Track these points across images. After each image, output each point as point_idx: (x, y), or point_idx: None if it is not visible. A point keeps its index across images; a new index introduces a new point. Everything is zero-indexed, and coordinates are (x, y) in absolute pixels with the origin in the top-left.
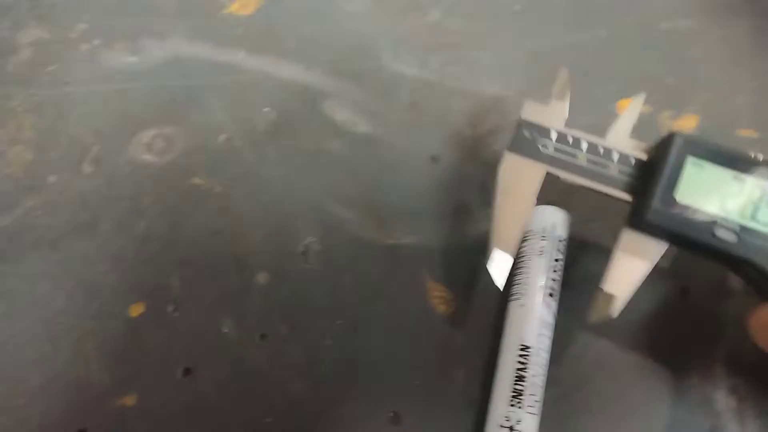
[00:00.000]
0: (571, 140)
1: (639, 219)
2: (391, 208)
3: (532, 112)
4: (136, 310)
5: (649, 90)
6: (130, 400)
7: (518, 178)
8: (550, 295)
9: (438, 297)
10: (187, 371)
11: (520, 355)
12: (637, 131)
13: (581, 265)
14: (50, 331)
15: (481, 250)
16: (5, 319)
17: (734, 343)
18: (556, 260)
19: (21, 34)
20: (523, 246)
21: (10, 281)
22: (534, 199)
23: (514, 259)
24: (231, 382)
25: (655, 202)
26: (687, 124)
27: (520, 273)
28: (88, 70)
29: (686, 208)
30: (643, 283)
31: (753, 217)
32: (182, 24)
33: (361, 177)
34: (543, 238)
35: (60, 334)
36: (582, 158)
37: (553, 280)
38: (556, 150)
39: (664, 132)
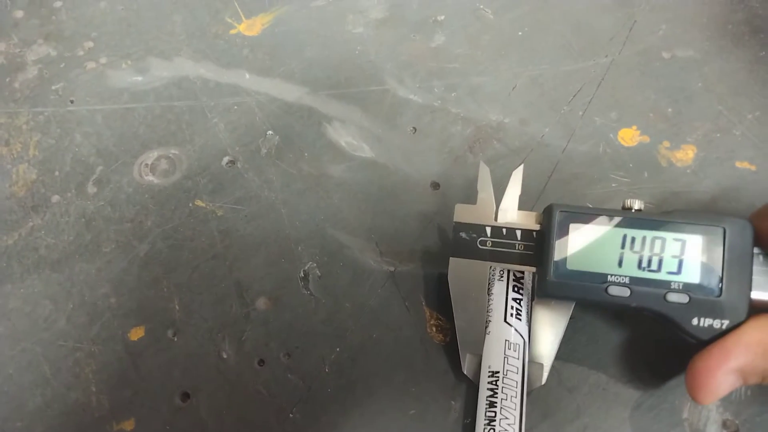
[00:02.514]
0: (505, 232)
1: (540, 290)
2: (391, 235)
3: (463, 214)
4: (136, 333)
5: (648, 120)
6: (128, 425)
7: (467, 280)
8: (515, 316)
9: (436, 325)
10: (185, 396)
11: (489, 382)
12: (636, 163)
13: None
14: (50, 353)
15: None
16: (6, 339)
17: None
18: (518, 279)
19: (28, 52)
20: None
21: (11, 302)
22: (486, 294)
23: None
24: (229, 408)
25: (550, 274)
26: (684, 155)
27: (489, 301)
28: (93, 88)
29: (578, 272)
30: (634, 320)
31: (639, 266)
32: (188, 44)
33: (363, 202)
34: None
35: (60, 357)
36: (519, 246)
37: (515, 300)
38: (495, 244)
39: (664, 164)
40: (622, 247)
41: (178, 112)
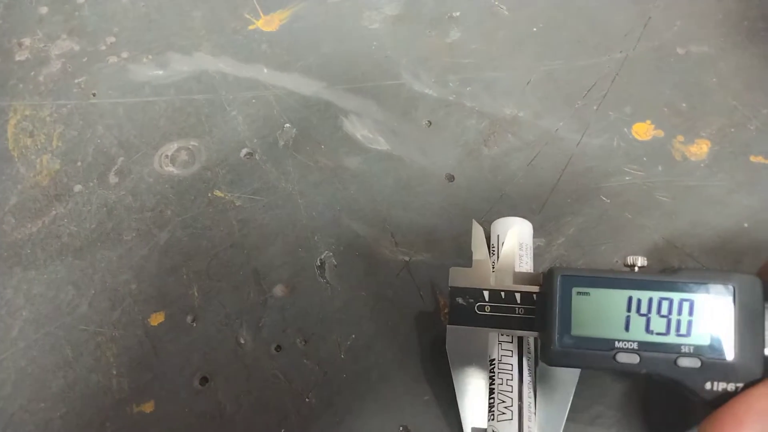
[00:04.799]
0: (503, 296)
1: (545, 358)
2: (406, 226)
3: (459, 278)
4: (156, 319)
5: (662, 114)
6: (147, 407)
7: (467, 349)
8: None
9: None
10: (204, 380)
11: (490, 369)
12: (651, 157)
13: None
14: (73, 337)
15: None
16: (30, 323)
17: None
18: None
19: (52, 46)
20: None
21: (35, 287)
22: (487, 361)
23: None
24: (246, 392)
25: (555, 343)
26: (699, 150)
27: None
28: (115, 82)
29: (584, 339)
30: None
31: (647, 329)
32: (208, 39)
33: (378, 194)
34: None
35: (82, 341)
36: (519, 310)
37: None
38: (493, 309)
39: (678, 158)
40: (629, 310)
41: (197, 105)
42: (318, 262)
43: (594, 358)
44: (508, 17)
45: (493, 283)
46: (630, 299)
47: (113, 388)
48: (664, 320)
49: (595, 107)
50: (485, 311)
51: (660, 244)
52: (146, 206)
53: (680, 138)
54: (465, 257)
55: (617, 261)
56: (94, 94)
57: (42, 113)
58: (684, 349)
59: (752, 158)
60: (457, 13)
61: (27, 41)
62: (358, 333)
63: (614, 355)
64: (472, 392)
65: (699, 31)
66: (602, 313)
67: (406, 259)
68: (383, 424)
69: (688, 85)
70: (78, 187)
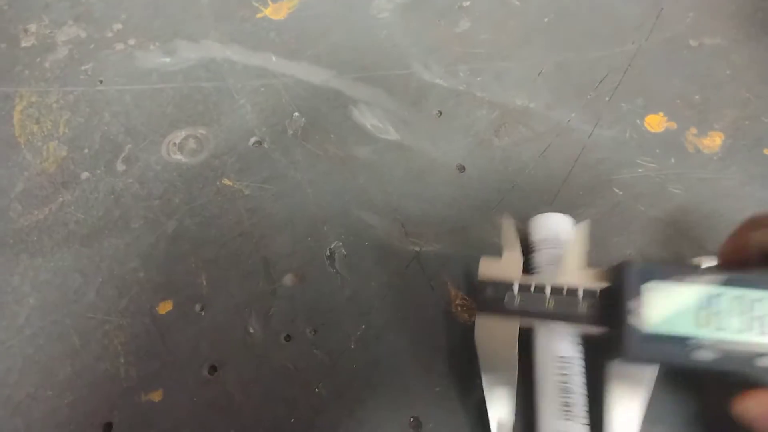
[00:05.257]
0: (533, 288)
1: (617, 354)
2: (416, 216)
3: (489, 269)
4: (164, 307)
5: (675, 106)
6: (156, 396)
7: (495, 338)
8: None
9: (461, 305)
10: (213, 369)
11: (560, 367)
12: (663, 149)
13: None
14: (80, 325)
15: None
16: (37, 311)
17: None
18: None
19: (59, 33)
20: (535, 257)
21: (42, 274)
22: (516, 354)
23: (530, 271)
24: (255, 381)
25: (628, 338)
26: (712, 142)
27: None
28: (122, 69)
29: (658, 336)
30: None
31: (721, 327)
32: (216, 27)
33: (388, 184)
34: (554, 246)
35: (89, 329)
36: (550, 303)
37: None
38: (522, 300)
39: (691, 151)
40: (705, 306)
41: (205, 93)
42: (328, 251)
43: (668, 353)
44: (519, 7)
45: (521, 276)
46: (706, 296)
47: (121, 376)
48: (742, 318)
49: (607, 98)
50: (514, 302)
51: (673, 236)
52: (154, 194)
53: (693, 130)
54: (475, 248)
55: (630, 253)
56: (101, 81)
57: (48, 100)
58: (762, 349)
59: (766, 151)
60: (468, 3)
61: (33, 27)
62: (368, 323)
63: (690, 352)
64: (500, 383)
65: (712, 22)
66: (676, 309)
67: (417, 249)
68: (393, 415)
69: (701, 77)
70: (85, 175)
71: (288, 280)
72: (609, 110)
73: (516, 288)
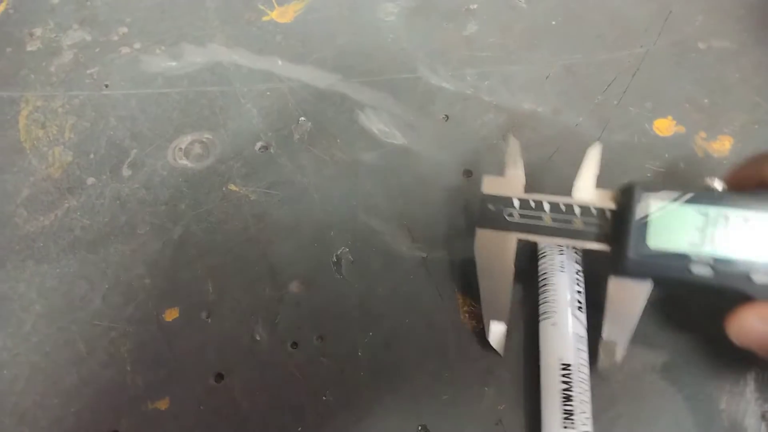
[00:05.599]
0: (533, 204)
1: (619, 268)
2: (423, 222)
3: (492, 185)
4: (171, 314)
5: (684, 110)
6: (162, 404)
7: (494, 251)
8: (579, 308)
9: (468, 312)
10: (219, 377)
11: (563, 374)
12: (672, 153)
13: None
14: (86, 332)
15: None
16: (43, 318)
17: (765, 371)
18: (577, 272)
19: (64, 37)
20: (542, 263)
21: (48, 281)
22: (512, 265)
23: (538, 277)
24: (262, 389)
25: (630, 252)
26: (721, 146)
27: (546, 291)
28: (128, 73)
29: (659, 251)
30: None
31: (723, 246)
32: (222, 31)
33: (395, 189)
34: (561, 252)
35: (95, 336)
36: (547, 219)
37: (578, 292)
38: (522, 216)
39: (700, 155)
40: (705, 226)
41: (211, 97)
42: (334, 258)
43: (668, 269)
44: (526, 10)
45: (522, 194)
46: (707, 215)
47: (127, 384)
48: (741, 237)
49: (615, 102)
50: (514, 217)
51: None
52: (160, 200)
53: (702, 134)
54: None
55: None
56: (106, 85)
57: (54, 104)
58: (760, 267)
59: None
60: (475, 6)
61: (38, 31)
62: (376, 330)
63: (689, 268)
64: (496, 292)
65: (720, 26)
66: (679, 227)
67: (424, 255)
68: (401, 424)
69: (709, 80)
70: (91, 180)
71: (294, 286)
72: (617, 114)
73: (516, 203)
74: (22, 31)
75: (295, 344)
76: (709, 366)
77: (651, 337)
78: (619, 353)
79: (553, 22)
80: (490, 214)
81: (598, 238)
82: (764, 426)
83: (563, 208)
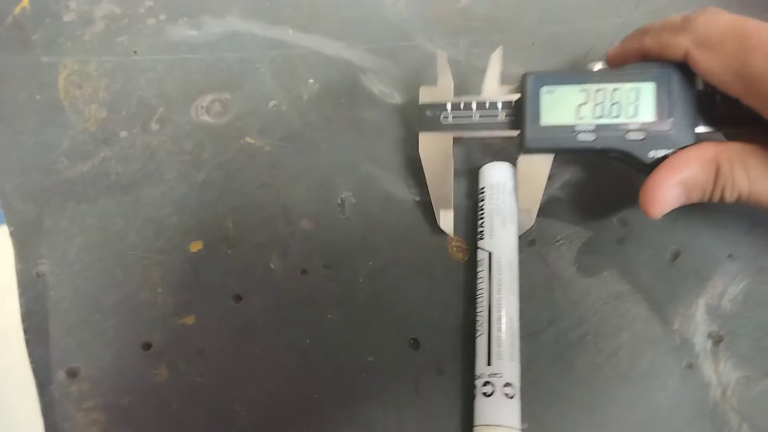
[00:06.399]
0: (462, 105)
1: (521, 145)
2: (418, 170)
3: (427, 94)
4: (196, 246)
5: None
6: (189, 320)
7: (435, 150)
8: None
9: (456, 246)
10: (238, 298)
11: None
12: None
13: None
14: (122, 261)
15: None
16: (84, 250)
17: (713, 298)
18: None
19: (96, 9)
20: (483, 204)
21: (88, 218)
22: (451, 161)
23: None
24: (275, 308)
25: (528, 131)
26: None
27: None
28: (154, 41)
29: (551, 126)
30: (641, 245)
31: (602, 115)
32: (238, 3)
33: (393, 142)
34: (501, 193)
35: (131, 264)
36: (476, 116)
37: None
38: (455, 117)
39: None
40: (587, 100)
41: (229, 63)
42: (339, 200)
43: (559, 140)
44: None
45: (453, 98)
46: (588, 91)
47: (159, 303)
48: (616, 105)
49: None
50: (448, 119)
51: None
52: (185, 150)
53: None
54: (470, 197)
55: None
56: (135, 52)
57: (88, 68)
58: (632, 126)
59: None
60: None
61: (73, 4)
62: (375, 260)
63: (575, 137)
64: (440, 184)
65: None
66: (564, 104)
67: (417, 199)
68: (395, 338)
69: None
70: (123, 133)
71: (304, 223)
72: None
73: (449, 107)
74: (59, 3)
75: (304, 271)
76: (666, 293)
77: (617, 264)
78: (532, 218)
79: None
80: (429, 119)
81: (512, 126)
82: (710, 342)
83: (488, 105)
